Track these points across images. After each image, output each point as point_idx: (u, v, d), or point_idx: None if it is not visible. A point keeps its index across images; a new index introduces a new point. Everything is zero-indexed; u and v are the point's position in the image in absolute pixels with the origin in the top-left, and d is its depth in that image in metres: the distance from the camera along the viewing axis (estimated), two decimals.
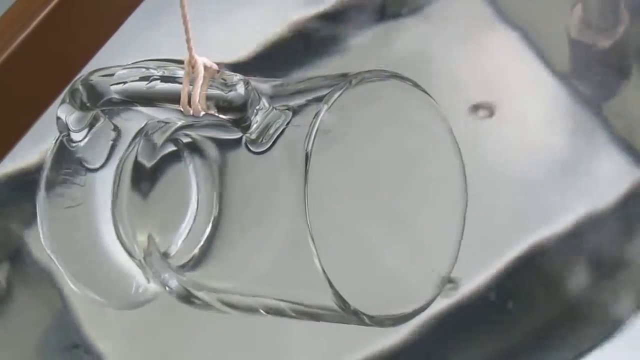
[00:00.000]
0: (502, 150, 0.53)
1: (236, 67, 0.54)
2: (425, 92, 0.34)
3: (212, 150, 0.35)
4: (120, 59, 0.34)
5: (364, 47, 0.57)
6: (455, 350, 0.51)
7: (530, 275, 0.52)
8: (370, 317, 0.32)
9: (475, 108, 0.54)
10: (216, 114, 0.31)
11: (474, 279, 0.51)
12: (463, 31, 0.55)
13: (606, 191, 0.52)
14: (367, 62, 0.55)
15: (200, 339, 0.49)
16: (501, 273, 0.51)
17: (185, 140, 0.36)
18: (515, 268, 0.52)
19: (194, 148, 0.36)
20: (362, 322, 0.32)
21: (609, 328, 0.50)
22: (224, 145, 0.34)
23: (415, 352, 0.50)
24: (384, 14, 0.57)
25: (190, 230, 0.36)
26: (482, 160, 0.53)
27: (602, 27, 0.52)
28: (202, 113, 0.31)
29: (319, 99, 0.32)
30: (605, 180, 0.53)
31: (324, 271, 0.30)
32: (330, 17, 0.57)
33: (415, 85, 0.34)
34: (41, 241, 0.38)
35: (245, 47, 0.53)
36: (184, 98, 0.31)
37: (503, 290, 0.51)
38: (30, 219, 0.54)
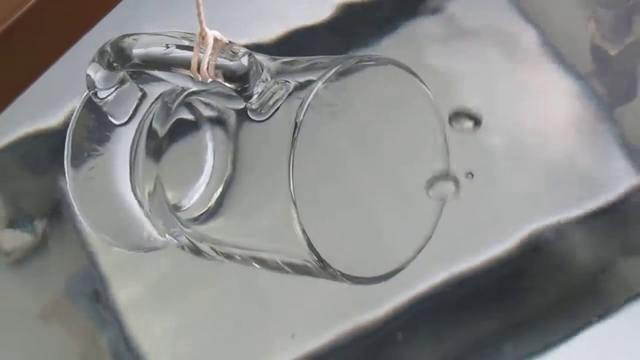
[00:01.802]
0: (513, 142, 0.56)
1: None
2: (421, 80, 0.37)
3: (227, 117, 0.38)
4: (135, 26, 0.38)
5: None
6: (461, 323, 0.54)
7: (534, 258, 0.55)
8: (350, 277, 0.36)
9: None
10: (222, 82, 0.35)
11: (478, 258, 0.54)
12: (487, 33, 0.57)
13: (609, 188, 0.55)
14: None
15: (212, 292, 0.53)
16: (507, 255, 0.54)
17: (204, 108, 0.40)
18: (520, 251, 0.55)
19: (211, 114, 0.39)
20: (342, 280, 0.36)
21: (609, 307, 0.53)
22: (235, 113, 0.38)
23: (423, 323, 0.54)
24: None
25: (204, 188, 0.39)
26: (495, 151, 0.56)
27: (614, 38, 0.54)
28: (209, 80, 0.35)
29: (318, 76, 0.35)
30: (609, 178, 0.55)
31: (304, 232, 0.34)
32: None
33: (411, 72, 0.37)
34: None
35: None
36: (193, 65, 0.35)
37: (510, 269, 0.54)
38: None
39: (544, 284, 0.55)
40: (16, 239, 0.64)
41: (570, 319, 0.54)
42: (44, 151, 0.63)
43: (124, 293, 0.56)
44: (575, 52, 0.57)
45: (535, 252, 0.55)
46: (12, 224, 0.64)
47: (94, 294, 0.58)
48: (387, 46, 0.56)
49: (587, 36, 0.56)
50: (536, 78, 0.57)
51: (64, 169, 0.52)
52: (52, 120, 0.58)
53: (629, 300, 0.54)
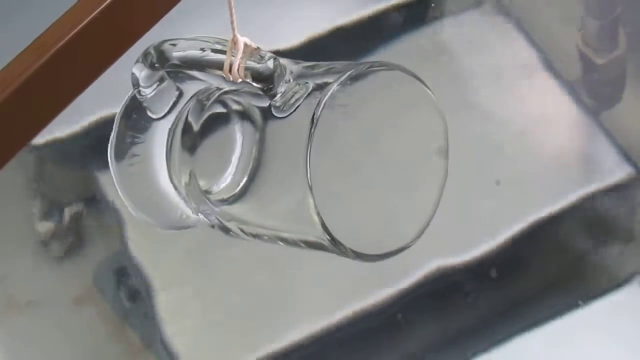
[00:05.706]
0: (513, 141, 0.61)
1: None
2: (425, 85, 0.42)
3: (254, 113, 0.44)
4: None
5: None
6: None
7: (534, 243, 0.59)
8: (359, 254, 0.41)
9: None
10: (251, 82, 0.40)
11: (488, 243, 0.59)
12: (483, 39, 0.62)
13: (600, 181, 0.60)
14: None
15: (234, 266, 0.58)
16: (511, 240, 0.59)
17: (234, 105, 0.45)
18: (520, 237, 0.59)
19: (240, 111, 0.45)
20: (352, 257, 0.41)
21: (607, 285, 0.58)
22: (261, 110, 0.43)
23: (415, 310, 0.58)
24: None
25: (233, 175, 0.45)
26: (493, 151, 0.60)
27: (600, 48, 0.59)
28: (239, 80, 0.40)
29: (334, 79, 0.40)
30: (600, 171, 0.60)
31: (318, 214, 0.39)
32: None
33: (416, 77, 0.42)
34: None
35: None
36: (226, 66, 0.40)
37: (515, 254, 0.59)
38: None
39: (536, 269, 0.60)
40: (52, 230, 0.69)
41: (559, 301, 0.58)
42: (79, 148, 0.68)
43: (154, 272, 0.60)
44: (564, 60, 0.61)
45: (530, 239, 0.59)
46: (49, 215, 0.69)
47: (121, 272, 0.62)
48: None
49: (577, 45, 0.61)
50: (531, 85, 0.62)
51: (98, 165, 0.57)
52: (85, 122, 0.63)
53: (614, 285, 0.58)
